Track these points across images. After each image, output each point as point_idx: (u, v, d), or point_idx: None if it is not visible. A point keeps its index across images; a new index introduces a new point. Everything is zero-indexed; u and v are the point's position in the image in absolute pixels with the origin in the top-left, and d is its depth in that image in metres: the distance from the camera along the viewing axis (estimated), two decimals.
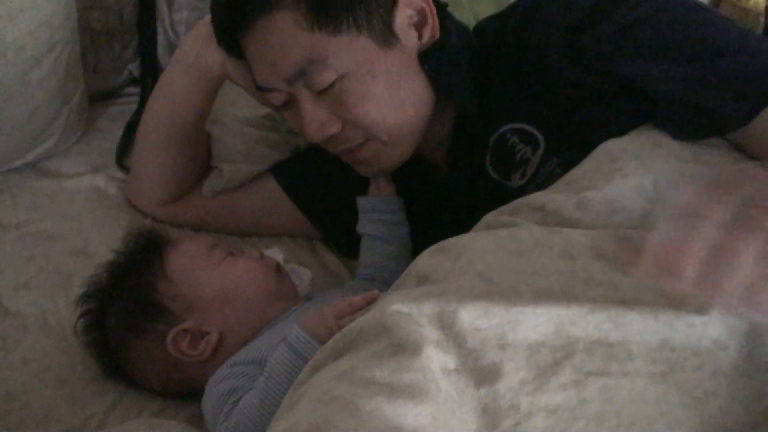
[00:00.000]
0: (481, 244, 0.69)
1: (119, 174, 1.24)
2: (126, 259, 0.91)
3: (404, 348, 0.57)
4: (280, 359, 0.74)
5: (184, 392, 0.88)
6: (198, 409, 0.85)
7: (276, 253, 1.02)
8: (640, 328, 0.60)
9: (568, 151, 0.84)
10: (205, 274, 0.88)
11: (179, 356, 0.84)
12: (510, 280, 0.64)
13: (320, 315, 0.75)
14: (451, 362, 0.58)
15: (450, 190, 0.98)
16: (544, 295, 0.61)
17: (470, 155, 0.93)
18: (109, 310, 0.88)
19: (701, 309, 0.60)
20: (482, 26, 0.97)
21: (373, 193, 1.01)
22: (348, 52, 0.82)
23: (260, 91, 0.90)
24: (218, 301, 0.87)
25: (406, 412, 0.53)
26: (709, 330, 0.60)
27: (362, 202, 1.01)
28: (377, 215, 1.00)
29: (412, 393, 0.54)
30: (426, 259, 0.70)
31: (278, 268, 0.93)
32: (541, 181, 0.87)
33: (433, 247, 0.71)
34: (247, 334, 0.86)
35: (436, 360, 0.57)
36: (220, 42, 0.92)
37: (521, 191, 0.88)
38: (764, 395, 0.60)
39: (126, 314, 0.87)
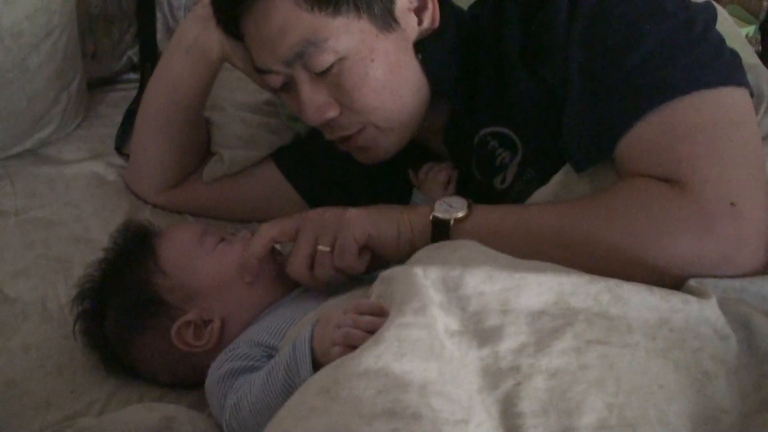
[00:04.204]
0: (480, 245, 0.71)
1: (119, 160, 1.23)
2: (117, 256, 0.90)
3: (409, 305, 0.58)
4: (283, 360, 0.70)
5: (191, 381, 0.87)
6: (199, 394, 0.85)
7: None
8: (638, 302, 0.61)
9: (543, 164, 0.83)
10: (201, 262, 0.87)
11: (185, 348, 0.83)
12: (508, 260, 0.66)
13: (327, 326, 0.67)
14: (454, 324, 0.59)
15: None
16: (544, 269, 0.63)
17: (461, 149, 0.93)
18: (106, 310, 0.87)
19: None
20: (477, 13, 0.94)
21: (434, 194, 0.95)
22: (347, 35, 0.81)
23: (259, 73, 0.89)
24: (217, 287, 0.86)
25: (414, 369, 0.54)
26: (707, 311, 0.62)
27: (418, 197, 0.98)
28: None
29: (419, 350, 0.55)
30: (426, 250, 0.71)
31: (273, 249, 0.92)
32: (519, 189, 0.87)
33: (435, 245, 0.73)
34: (249, 317, 0.85)
35: (441, 320, 0.58)
36: (219, 23, 0.91)
37: (503, 195, 0.88)
38: (762, 387, 0.60)
39: (125, 312, 0.86)
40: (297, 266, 0.82)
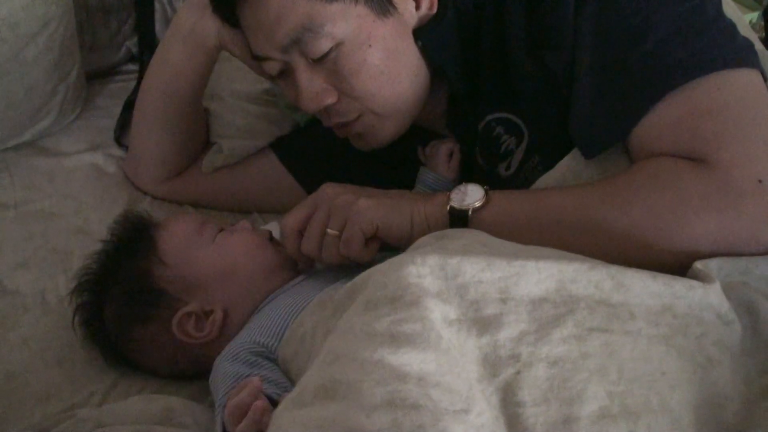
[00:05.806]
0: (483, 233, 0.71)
1: (118, 152, 1.23)
2: (115, 248, 0.89)
3: (402, 299, 0.57)
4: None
5: (191, 373, 0.87)
6: (199, 386, 0.85)
7: (274, 228, 1.00)
8: (640, 289, 0.61)
9: (549, 150, 0.82)
10: (201, 252, 0.86)
11: (186, 339, 0.83)
12: (510, 248, 0.66)
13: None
14: (452, 312, 0.58)
15: None
16: (546, 256, 0.62)
17: (465, 135, 0.92)
18: (105, 302, 0.87)
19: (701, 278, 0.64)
20: None
21: (438, 169, 0.96)
22: (344, 20, 0.81)
23: (256, 60, 0.88)
24: (218, 277, 0.85)
25: (411, 360, 0.54)
26: (710, 297, 0.61)
27: (425, 174, 0.97)
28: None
29: (414, 342, 0.55)
30: (427, 238, 0.70)
31: (271, 238, 0.91)
32: (524, 176, 0.85)
33: (437, 233, 0.71)
34: (251, 307, 0.85)
35: (437, 311, 0.57)
36: (215, 10, 0.91)
37: (508, 181, 0.87)
38: (766, 372, 0.60)
39: (125, 304, 0.85)
40: (309, 247, 0.81)
